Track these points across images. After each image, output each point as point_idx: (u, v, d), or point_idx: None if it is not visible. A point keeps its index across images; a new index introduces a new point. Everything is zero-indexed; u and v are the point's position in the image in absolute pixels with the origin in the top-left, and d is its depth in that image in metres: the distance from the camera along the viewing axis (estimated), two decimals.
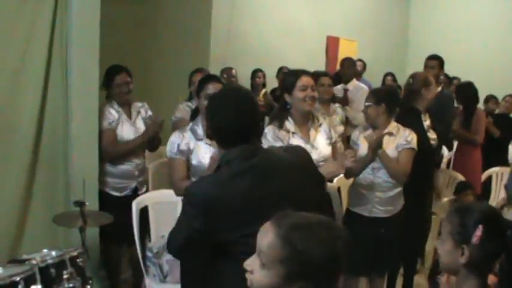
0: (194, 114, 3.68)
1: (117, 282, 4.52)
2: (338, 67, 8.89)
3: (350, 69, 7.14)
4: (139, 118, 4.46)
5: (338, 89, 6.99)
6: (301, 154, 2.63)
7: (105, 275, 4.51)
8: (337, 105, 5.68)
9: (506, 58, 9.85)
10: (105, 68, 4.36)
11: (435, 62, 6.00)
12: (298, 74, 3.68)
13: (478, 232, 1.97)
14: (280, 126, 3.69)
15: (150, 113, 4.56)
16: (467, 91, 6.58)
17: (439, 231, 4.76)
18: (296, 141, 3.61)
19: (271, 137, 3.64)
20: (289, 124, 3.70)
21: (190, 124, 3.57)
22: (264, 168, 2.30)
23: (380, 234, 4.02)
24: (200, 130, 3.49)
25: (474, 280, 2.01)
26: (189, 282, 3.03)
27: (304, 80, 3.63)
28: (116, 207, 4.08)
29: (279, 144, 3.53)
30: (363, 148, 4.04)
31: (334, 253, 1.65)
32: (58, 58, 4.07)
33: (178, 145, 3.46)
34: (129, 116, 4.43)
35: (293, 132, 3.67)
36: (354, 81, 6.97)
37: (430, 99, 4.70)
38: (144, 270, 3.99)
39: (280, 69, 8.11)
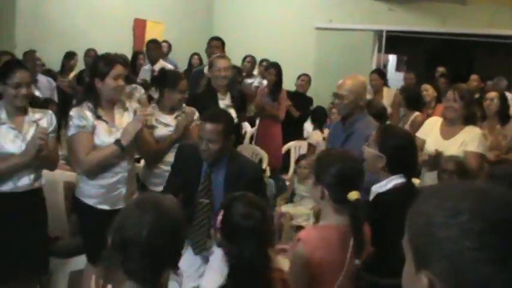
0: None
1: None
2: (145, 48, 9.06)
3: (155, 51, 7.35)
4: None
5: (145, 70, 7.12)
6: None
7: None
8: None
9: (302, 39, 10.71)
10: None
11: (218, 42, 6.49)
12: (113, 62, 3.64)
13: (219, 216, 2.21)
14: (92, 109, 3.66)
15: None
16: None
17: None
18: (100, 124, 3.64)
19: (78, 116, 3.60)
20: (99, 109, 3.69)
21: None
22: None
23: None
24: (3, 114, 3.46)
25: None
26: None
27: (118, 70, 3.62)
28: None
29: (83, 123, 3.57)
30: (162, 129, 4.29)
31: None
32: None
33: None
34: None
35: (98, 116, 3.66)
36: (160, 62, 7.20)
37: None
38: None
39: (88, 51, 8.06)
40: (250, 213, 2.16)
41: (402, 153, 2.93)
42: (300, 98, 7.69)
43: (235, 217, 2.15)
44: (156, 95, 5.73)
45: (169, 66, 7.02)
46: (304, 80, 8.02)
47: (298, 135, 7.61)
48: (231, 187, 3.20)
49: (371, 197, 2.93)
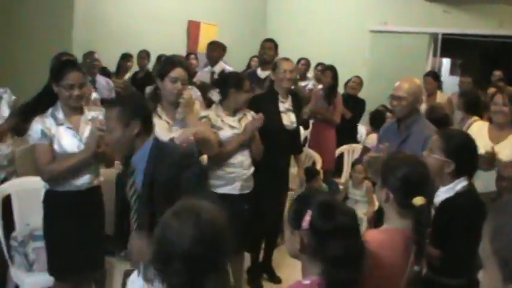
0: (52, 99, 3.59)
1: None
2: (199, 50, 9.13)
3: (215, 53, 7.30)
4: (3, 103, 4.31)
5: (205, 71, 7.10)
6: None
7: None
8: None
9: (356, 42, 10.70)
10: None
11: (271, 44, 6.41)
12: (173, 64, 3.70)
13: (307, 217, 1.97)
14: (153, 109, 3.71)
15: (14, 97, 4.42)
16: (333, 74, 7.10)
17: None
18: (160, 123, 3.67)
19: None
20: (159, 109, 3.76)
21: (51, 109, 3.54)
22: None
23: (244, 210, 4.30)
24: (60, 115, 3.51)
25: (314, 263, 1.98)
26: None
27: (177, 73, 3.67)
28: None
29: None
30: (227, 130, 4.29)
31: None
32: None
33: (42, 130, 3.45)
34: None
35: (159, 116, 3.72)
36: (220, 63, 7.15)
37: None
38: (8, 260, 3.92)
39: (140, 53, 8.22)
40: (347, 208, 2.05)
41: (469, 156, 2.97)
42: (352, 101, 7.61)
43: (333, 215, 1.97)
44: (215, 97, 5.85)
45: (229, 68, 6.97)
46: (355, 81, 7.90)
47: (352, 138, 7.53)
48: (148, 186, 2.80)
49: (436, 200, 2.92)
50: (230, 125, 4.33)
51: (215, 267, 1.77)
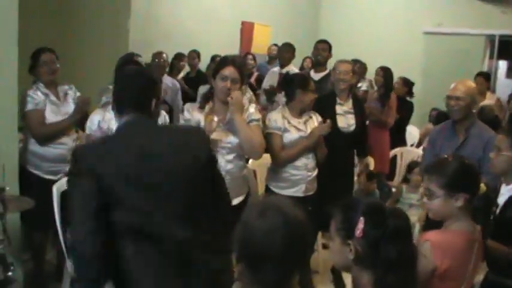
0: None
1: (41, 264, 4.50)
2: (252, 51, 9.17)
3: (287, 54, 7.28)
4: (68, 100, 4.44)
5: (274, 72, 7.09)
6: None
7: (29, 257, 4.48)
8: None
9: (410, 43, 10.55)
10: (24, 52, 4.28)
11: (325, 45, 6.37)
12: (225, 63, 3.73)
13: (360, 225, 1.92)
14: (201, 106, 3.79)
15: (78, 94, 4.56)
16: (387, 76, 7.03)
17: None
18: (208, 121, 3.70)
19: (186, 110, 3.80)
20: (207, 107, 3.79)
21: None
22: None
23: (308, 212, 4.23)
24: None
25: (367, 272, 1.95)
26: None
27: (227, 71, 3.67)
28: (48, 190, 4.04)
29: (188, 117, 3.74)
30: (293, 132, 4.34)
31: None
32: None
33: (99, 122, 3.59)
34: (57, 97, 4.40)
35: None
36: (290, 65, 7.13)
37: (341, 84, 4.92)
38: (65, 253, 3.96)
39: (192, 52, 8.28)
40: (398, 211, 2.00)
41: None
42: (400, 103, 7.42)
43: (386, 219, 1.92)
44: (277, 100, 5.94)
45: (295, 70, 6.95)
46: (398, 82, 7.63)
47: (400, 141, 7.35)
48: None
49: (500, 200, 2.94)
50: (296, 127, 4.38)
51: (302, 264, 1.80)
